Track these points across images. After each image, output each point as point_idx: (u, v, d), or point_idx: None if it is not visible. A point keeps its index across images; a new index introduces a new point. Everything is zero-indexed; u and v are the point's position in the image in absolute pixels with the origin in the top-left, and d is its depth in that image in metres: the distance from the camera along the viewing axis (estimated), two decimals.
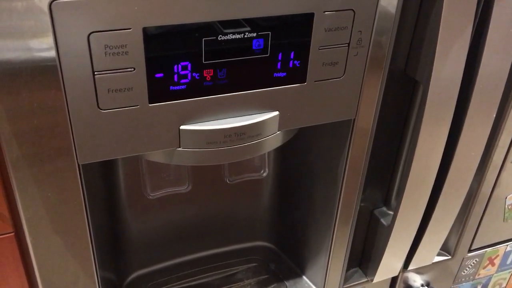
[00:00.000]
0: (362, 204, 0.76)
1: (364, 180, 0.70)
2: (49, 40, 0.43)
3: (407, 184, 0.70)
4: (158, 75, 0.49)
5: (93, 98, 0.47)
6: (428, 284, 0.94)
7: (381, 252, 0.79)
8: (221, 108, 0.53)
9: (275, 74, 0.54)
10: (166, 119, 0.52)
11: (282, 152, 0.81)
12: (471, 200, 0.83)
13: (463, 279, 0.99)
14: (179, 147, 0.54)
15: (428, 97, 0.62)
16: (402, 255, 0.82)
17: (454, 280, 0.98)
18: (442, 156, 0.69)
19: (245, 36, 0.50)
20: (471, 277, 1.00)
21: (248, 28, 0.50)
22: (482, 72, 0.63)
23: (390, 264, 0.82)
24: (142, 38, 0.46)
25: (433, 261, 0.88)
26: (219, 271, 0.86)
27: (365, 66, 0.57)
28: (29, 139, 0.48)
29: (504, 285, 1.08)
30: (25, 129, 0.47)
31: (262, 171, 0.83)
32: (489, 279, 1.03)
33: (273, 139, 0.59)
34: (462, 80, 0.62)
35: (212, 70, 0.51)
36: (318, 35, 0.52)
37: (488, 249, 0.96)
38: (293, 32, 0.52)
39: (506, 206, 0.89)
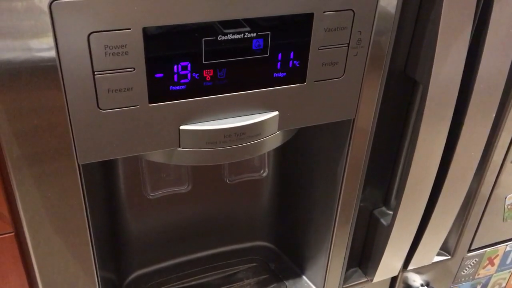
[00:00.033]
0: (361, 204, 0.76)
1: (363, 180, 0.70)
2: (49, 40, 0.43)
3: (406, 184, 0.70)
4: (158, 75, 0.49)
5: (93, 98, 0.47)
6: (427, 284, 0.94)
7: (380, 252, 0.79)
8: (221, 108, 0.53)
9: (275, 74, 0.54)
10: (166, 119, 0.52)
11: (282, 152, 0.81)
12: (470, 200, 0.83)
13: (462, 279, 0.99)
14: (179, 147, 0.54)
15: (427, 97, 0.62)
16: (402, 255, 0.82)
17: (453, 280, 0.98)
18: (442, 156, 0.69)
19: (245, 36, 0.50)
20: (471, 277, 1.00)
21: (248, 28, 0.50)
22: (482, 72, 0.63)
23: (389, 264, 0.82)
24: (142, 38, 0.46)
25: (433, 261, 0.88)
26: (219, 271, 0.86)
27: (365, 66, 0.57)
28: (29, 139, 0.48)
29: (503, 285, 1.08)
30: (25, 129, 0.47)
31: (262, 171, 0.83)
32: (489, 279, 1.03)
33: (273, 139, 0.59)
34: (462, 80, 0.62)
35: (212, 70, 0.51)
36: (317, 35, 0.53)
37: (488, 249, 0.96)
38: (292, 32, 0.52)
39: (505, 206, 0.89)
